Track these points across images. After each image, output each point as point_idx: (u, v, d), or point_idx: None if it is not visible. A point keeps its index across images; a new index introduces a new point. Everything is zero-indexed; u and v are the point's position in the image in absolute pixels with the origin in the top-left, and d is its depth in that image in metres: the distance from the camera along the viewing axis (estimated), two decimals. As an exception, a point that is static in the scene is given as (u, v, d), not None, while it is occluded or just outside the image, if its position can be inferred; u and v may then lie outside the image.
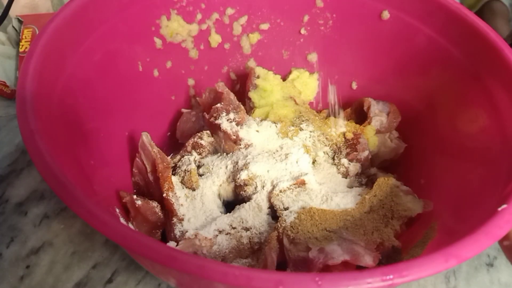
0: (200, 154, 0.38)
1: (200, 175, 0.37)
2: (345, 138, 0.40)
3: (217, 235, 0.32)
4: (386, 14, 0.39)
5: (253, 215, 0.34)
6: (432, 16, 0.37)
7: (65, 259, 0.36)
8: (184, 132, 0.42)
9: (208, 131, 0.39)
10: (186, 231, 0.32)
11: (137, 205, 0.33)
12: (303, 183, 0.35)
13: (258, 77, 0.43)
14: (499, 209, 0.23)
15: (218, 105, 0.39)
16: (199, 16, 0.41)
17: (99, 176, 0.31)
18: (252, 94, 0.43)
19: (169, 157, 0.39)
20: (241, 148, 0.38)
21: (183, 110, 0.43)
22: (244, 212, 0.34)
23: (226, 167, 0.37)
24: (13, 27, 0.53)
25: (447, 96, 0.37)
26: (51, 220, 0.38)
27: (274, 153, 0.37)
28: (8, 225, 0.37)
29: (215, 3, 0.41)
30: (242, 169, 0.36)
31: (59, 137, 0.27)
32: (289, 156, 0.37)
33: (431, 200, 0.34)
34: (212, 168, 0.37)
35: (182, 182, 0.36)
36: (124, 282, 0.35)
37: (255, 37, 0.44)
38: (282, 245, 0.31)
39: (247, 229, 0.33)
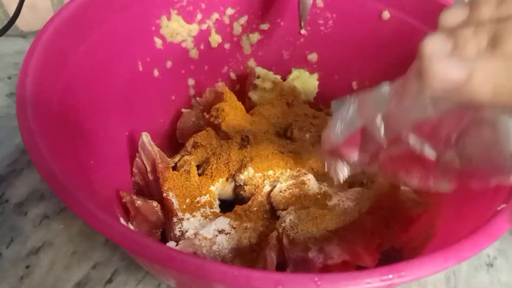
0: (200, 154, 0.38)
1: (200, 175, 0.37)
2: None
3: (217, 235, 0.32)
4: (386, 14, 0.39)
5: (253, 215, 0.34)
6: (432, 16, 0.36)
7: (65, 259, 0.36)
8: (184, 132, 0.42)
9: (208, 131, 0.39)
10: (186, 231, 0.32)
11: (137, 205, 0.33)
12: (303, 183, 0.35)
13: (258, 77, 0.43)
14: (499, 208, 0.23)
15: (218, 105, 0.39)
16: (199, 16, 0.41)
17: (99, 176, 0.31)
18: (252, 94, 0.43)
19: (169, 157, 0.39)
20: (241, 148, 0.38)
21: (183, 110, 0.43)
22: (243, 212, 0.34)
23: (226, 167, 0.37)
24: None
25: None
26: (51, 220, 0.38)
27: (273, 153, 0.37)
28: (8, 225, 0.37)
29: (215, 3, 0.41)
30: (242, 170, 0.36)
31: (59, 137, 0.27)
32: (289, 156, 0.37)
33: (431, 200, 0.34)
34: (212, 168, 0.37)
35: (182, 182, 0.36)
36: (124, 282, 0.35)
37: (255, 37, 0.44)
38: (282, 245, 0.31)
39: (246, 229, 0.33)
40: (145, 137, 0.35)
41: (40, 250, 0.36)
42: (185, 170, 0.36)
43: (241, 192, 0.36)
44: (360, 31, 0.41)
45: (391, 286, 0.20)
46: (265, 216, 0.34)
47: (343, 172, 0.29)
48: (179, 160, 0.38)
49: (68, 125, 0.29)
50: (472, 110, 0.19)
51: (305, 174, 0.36)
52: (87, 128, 0.32)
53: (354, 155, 0.27)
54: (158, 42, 0.39)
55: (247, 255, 0.32)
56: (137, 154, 0.36)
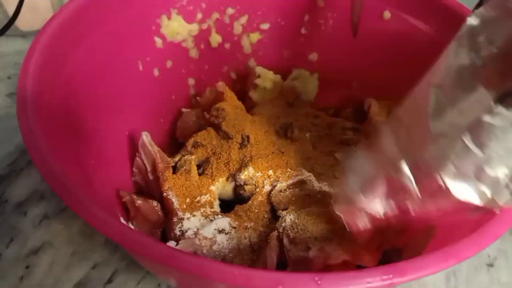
0: (200, 153, 0.38)
1: (200, 175, 0.37)
2: (345, 138, 0.40)
3: (217, 235, 0.32)
4: (387, 14, 0.39)
5: (253, 215, 0.34)
6: (433, 16, 0.37)
7: (65, 259, 0.36)
8: (184, 131, 0.42)
9: (208, 131, 0.39)
10: (186, 231, 0.32)
11: (137, 205, 0.33)
12: (303, 183, 0.35)
13: (258, 76, 0.43)
14: (499, 209, 0.23)
15: (219, 104, 0.39)
16: (199, 16, 0.41)
17: (99, 176, 0.31)
18: (252, 94, 0.43)
19: (169, 157, 0.39)
20: (241, 147, 0.38)
21: (183, 109, 0.43)
22: (244, 212, 0.34)
23: (227, 167, 0.37)
24: None
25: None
26: (51, 220, 0.38)
27: (274, 152, 0.37)
28: (8, 225, 0.37)
29: (215, 2, 0.41)
30: (242, 169, 0.36)
31: (59, 137, 0.27)
32: (289, 156, 0.37)
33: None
34: (212, 168, 0.37)
35: (182, 182, 0.36)
36: (124, 282, 0.35)
37: (255, 36, 0.44)
38: (282, 245, 0.31)
39: (247, 229, 0.33)
40: (145, 137, 0.35)
41: (40, 250, 0.36)
42: (185, 169, 0.36)
43: (241, 192, 0.36)
44: (361, 30, 0.41)
45: (391, 285, 0.20)
46: (265, 216, 0.34)
47: (363, 221, 0.26)
48: (179, 160, 0.38)
49: (68, 125, 0.29)
50: None
51: (305, 174, 0.36)
52: (87, 128, 0.32)
53: (376, 206, 0.25)
54: (158, 41, 0.39)
55: (247, 255, 0.32)
56: (137, 154, 0.36)
